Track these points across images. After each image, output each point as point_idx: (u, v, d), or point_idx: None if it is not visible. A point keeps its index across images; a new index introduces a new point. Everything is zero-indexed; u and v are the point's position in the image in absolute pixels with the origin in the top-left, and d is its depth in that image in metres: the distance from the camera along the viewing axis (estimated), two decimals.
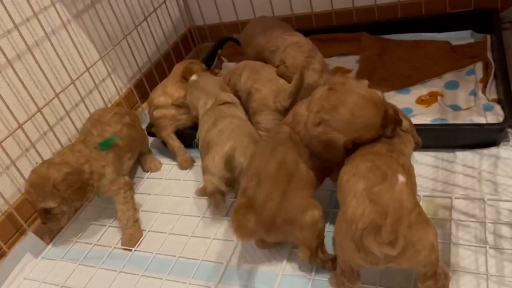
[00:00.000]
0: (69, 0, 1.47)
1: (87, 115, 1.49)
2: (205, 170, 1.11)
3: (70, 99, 1.49)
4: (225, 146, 1.08)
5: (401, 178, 0.72)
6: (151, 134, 1.51)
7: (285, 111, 1.19)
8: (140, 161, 1.46)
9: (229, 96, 1.29)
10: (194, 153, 1.43)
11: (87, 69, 1.49)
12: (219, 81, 1.34)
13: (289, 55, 1.30)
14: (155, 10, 1.81)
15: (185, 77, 1.45)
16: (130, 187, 1.27)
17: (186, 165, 1.42)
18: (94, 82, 1.55)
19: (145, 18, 1.75)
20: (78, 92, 1.48)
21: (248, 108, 1.30)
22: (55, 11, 1.41)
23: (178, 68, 1.49)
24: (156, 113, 1.42)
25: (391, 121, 0.91)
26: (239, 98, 1.33)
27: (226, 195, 1.15)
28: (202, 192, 1.29)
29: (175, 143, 1.42)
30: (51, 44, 1.38)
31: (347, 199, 0.80)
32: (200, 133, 1.22)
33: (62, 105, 1.41)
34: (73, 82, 1.44)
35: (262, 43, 1.42)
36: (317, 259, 0.97)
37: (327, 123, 0.91)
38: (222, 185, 1.08)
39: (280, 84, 1.26)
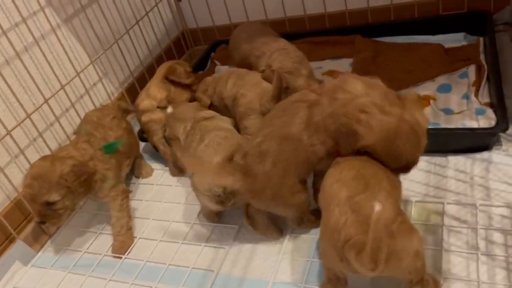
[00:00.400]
0: (59, 5, 1.46)
1: (77, 120, 1.48)
2: (195, 190, 1.10)
3: (60, 104, 1.48)
4: (213, 160, 1.05)
5: (378, 207, 0.71)
6: (143, 139, 1.51)
7: None
8: (132, 167, 1.45)
9: (206, 113, 1.25)
10: None
11: (77, 74, 1.48)
12: (195, 106, 1.31)
13: (276, 60, 1.30)
14: (147, 13, 1.80)
15: (167, 78, 1.42)
16: (127, 195, 1.26)
17: (179, 172, 1.40)
18: (85, 86, 1.54)
19: (137, 22, 1.74)
20: (68, 97, 1.46)
21: (235, 114, 1.29)
22: (44, 16, 1.39)
23: (161, 68, 1.47)
24: (144, 118, 1.40)
25: (408, 168, 0.90)
26: (225, 106, 1.32)
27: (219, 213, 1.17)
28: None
29: (166, 149, 1.40)
30: (40, 49, 1.37)
31: (330, 206, 0.79)
32: (190, 153, 1.17)
33: (52, 111, 1.39)
34: (63, 87, 1.42)
35: (248, 48, 1.42)
36: (304, 224, 1.07)
37: (370, 121, 0.84)
38: (213, 205, 1.06)
39: (265, 87, 1.26)
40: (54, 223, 1.15)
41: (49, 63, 1.39)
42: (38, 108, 1.35)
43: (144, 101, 1.40)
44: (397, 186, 0.84)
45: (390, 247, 0.72)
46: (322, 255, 0.84)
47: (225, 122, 1.23)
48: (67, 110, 1.50)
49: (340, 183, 0.81)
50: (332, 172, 0.86)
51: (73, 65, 1.48)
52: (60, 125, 1.44)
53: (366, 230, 0.71)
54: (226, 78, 1.36)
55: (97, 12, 1.61)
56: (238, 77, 1.32)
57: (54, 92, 1.41)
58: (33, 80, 1.33)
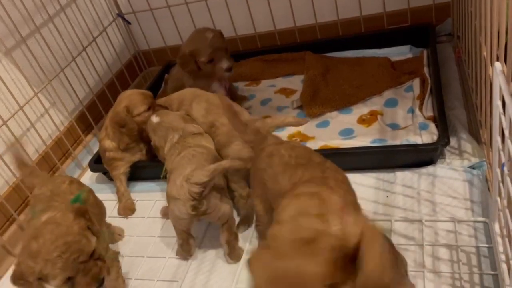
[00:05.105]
0: None
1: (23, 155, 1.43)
2: (168, 198, 1.08)
3: (5, 140, 1.42)
4: (186, 170, 1.05)
5: None
6: (96, 169, 1.48)
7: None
8: None
9: (195, 127, 1.25)
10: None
11: (21, 108, 1.43)
12: (181, 115, 1.29)
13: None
14: (94, 39, 1.76)
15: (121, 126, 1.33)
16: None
17: (124, 213, 1.35)
18: (30, 120, 1.48)
19: (84, 49, 1.70)
20: (12, 132, 1.40)
21: (212, 139, 1.26)
22: None
23: (117, 112, 1.33)
24: (108, 155, 1.37)
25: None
26: None
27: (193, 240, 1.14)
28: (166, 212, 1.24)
29: (121, 187, 1.37)
30: None
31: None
32: (167, 166, 1.18)
33: None
34: (5, 123, 1.37)
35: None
36: None
37: None
38: (188, 209, 1.03)
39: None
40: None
41: None
42: None
43: (106, 141, 1.37)
44: None
45: None
46: None
47: (208, 142, 1.24)
48: (13, 145, 1.44)
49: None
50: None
51: (15, 99, 1.42)
52: (4, 162, 1.38)
53: None
54: (189, 102, 1.33)
55: (40, 42, 1.57)
56: (207, 102, 1.30)
57: None
58: None
